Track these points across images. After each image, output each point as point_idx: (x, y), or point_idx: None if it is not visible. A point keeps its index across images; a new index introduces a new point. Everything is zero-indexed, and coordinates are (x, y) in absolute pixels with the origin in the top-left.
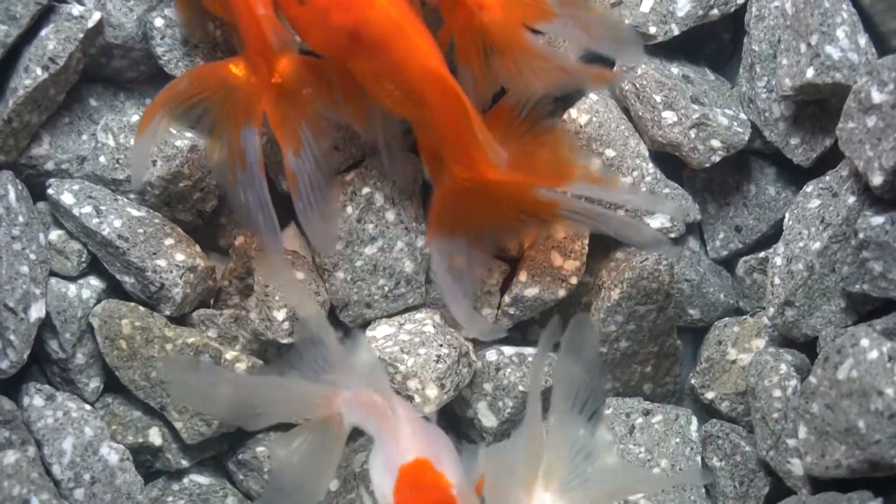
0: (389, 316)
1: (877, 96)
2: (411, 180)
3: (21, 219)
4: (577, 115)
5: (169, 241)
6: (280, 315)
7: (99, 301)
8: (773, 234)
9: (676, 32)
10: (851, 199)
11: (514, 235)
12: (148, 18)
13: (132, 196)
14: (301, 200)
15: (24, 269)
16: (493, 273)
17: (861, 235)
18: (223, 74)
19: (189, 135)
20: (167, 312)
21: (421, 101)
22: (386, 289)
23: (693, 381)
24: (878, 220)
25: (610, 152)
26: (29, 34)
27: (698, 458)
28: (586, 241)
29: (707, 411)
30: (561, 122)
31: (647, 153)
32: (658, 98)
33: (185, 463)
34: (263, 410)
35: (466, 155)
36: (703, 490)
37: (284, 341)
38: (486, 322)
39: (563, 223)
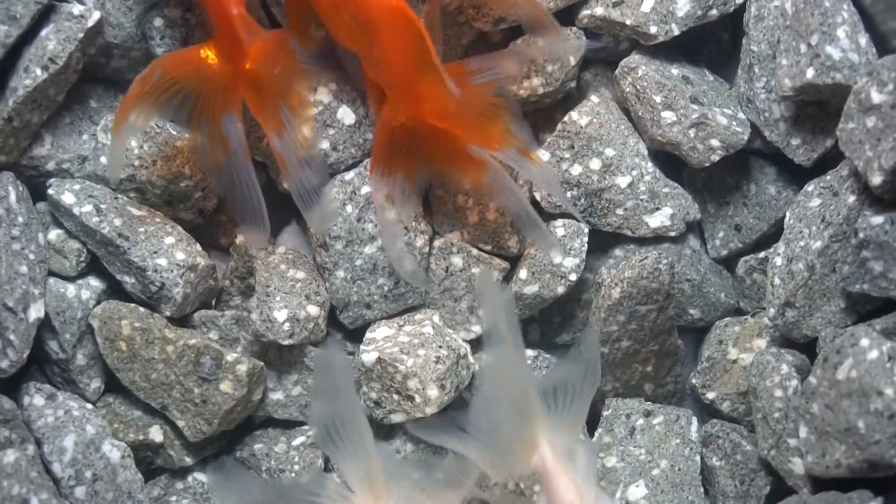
0: (389, 317)
1: (876, 96)
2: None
3: (21, 219)
4: (578, 116)
5: (170, 240)
6: (281, 316)
7: (98, 302)
8: (773, 234)
9: (676, 32)
10: (852, 199)
11: (444, 182)
12: (147, 18)
13: (132, 195)
14: (293, 181)
15: (24, 268)
16: (493, 272)
17: (861, 235)
18: (196, 63)
19: (189, 135)
20: (167, 313)
21: (375, 36)
22: (385, 288)
23: (694, 381)
24: (878, 219)
25: (610, 151)
26: (29, 34)
27: (697, 459)
28: (585, 239)
29: (708, 411)
30: (511, 94)
31: (646, 152)
32: (657, 98)
33: (188, 461)
34: None
35: (412, 95)
36: (702, 490)
37: (285, 343)
38: (417, 266)
39: (484, 187)
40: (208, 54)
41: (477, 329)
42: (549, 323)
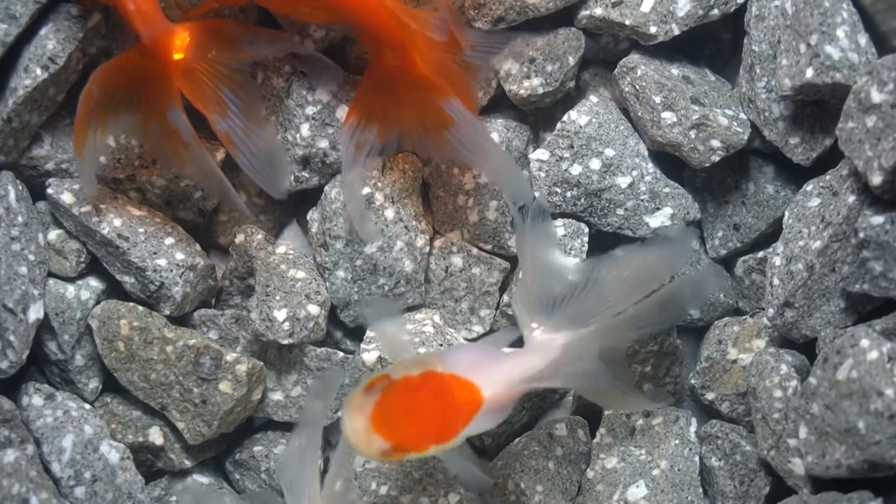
0: None
1: (876, 96)
2: (338, 80)
3: (20, 219)
4: (577, 116)
5: (169, 241)
6: (281, 315)
7: (98, 302)
8: (772, 233)
9: (677, 32)
10: (852, 199)
11: (410, 138)
12: None
13: (132, 194)
14: (244, 156)
15: (23, 269)
16: (493, 272)
17: (861, 235)
18: (128, 67)
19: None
20: (167, 312)
21: (341, 10)
22: (386, 288)
23: (693, 382)
24: (878, 219)
25: (609, 151)
26: (29, 33)
27: (696, 459)
28: (586, 239)
29: (707, 412)
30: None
31: (646, 153)
32: (657, 99)
33: (188, 463)
34: None
35: (398, 44)
36: (702, 490)
37: (285, 342)
38: (374, 225)
39: (444, 145)
40: (138, 54)
41: (478, 329)
42: None
